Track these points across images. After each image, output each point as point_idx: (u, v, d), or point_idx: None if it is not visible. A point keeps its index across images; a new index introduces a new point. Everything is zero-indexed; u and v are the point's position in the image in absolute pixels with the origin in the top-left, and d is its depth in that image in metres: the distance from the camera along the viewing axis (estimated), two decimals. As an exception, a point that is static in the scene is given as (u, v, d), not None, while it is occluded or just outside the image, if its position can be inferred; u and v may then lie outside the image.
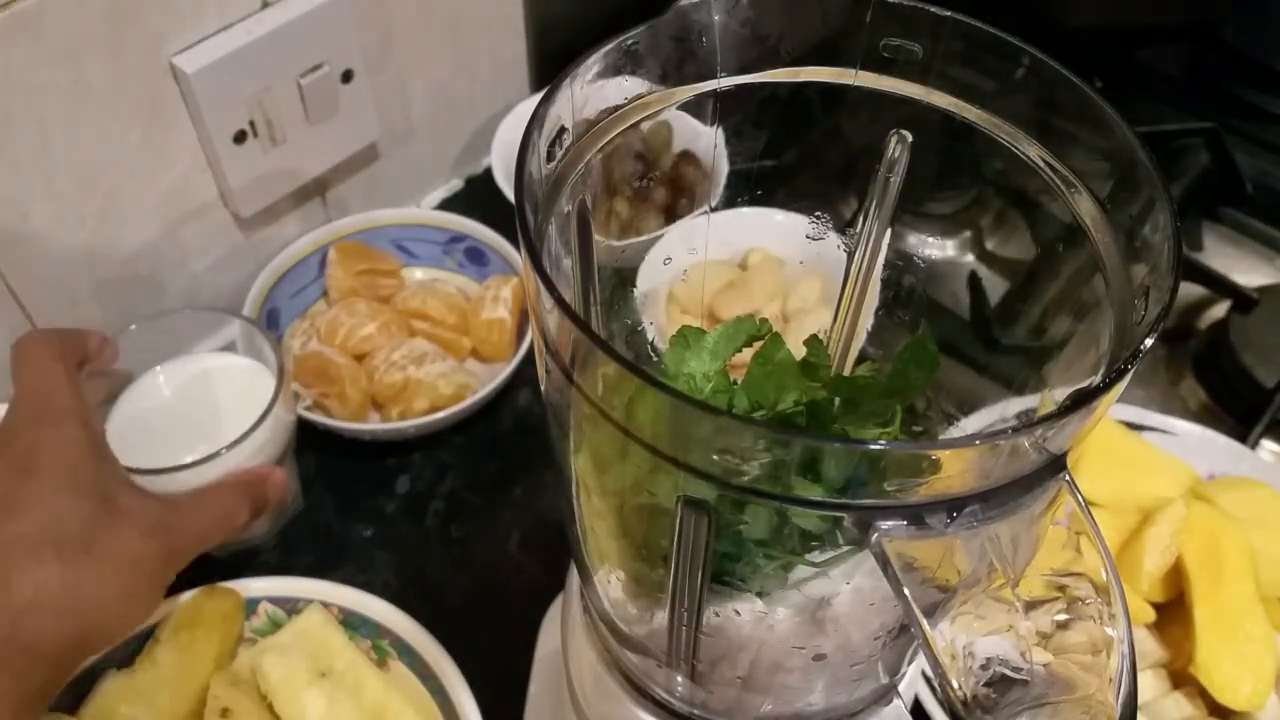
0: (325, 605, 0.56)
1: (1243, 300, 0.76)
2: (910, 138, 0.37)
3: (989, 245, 0.43)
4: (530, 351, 0.69)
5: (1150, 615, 0.57)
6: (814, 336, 0.36)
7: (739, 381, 0.36)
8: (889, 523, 0.25)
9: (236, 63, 0.62)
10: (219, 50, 0.61)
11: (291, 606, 0.56)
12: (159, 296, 0.70)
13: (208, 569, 0.55)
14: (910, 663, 0.39)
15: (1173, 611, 0.57)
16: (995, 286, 0.41)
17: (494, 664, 0.54)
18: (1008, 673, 0.25)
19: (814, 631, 0.35)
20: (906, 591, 0.25)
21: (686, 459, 0.26)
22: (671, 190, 0.66)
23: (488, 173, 0.86)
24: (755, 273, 0.62)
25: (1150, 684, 0.56)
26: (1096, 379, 0.29)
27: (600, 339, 0.26)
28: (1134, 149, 0.30)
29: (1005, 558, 0.25)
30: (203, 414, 0.60)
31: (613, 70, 0.33)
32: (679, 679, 0.39)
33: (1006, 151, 0.34)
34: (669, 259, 0.46)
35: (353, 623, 0.55)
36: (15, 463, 0.45)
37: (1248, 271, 0.81)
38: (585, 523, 0.37)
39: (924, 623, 0.25)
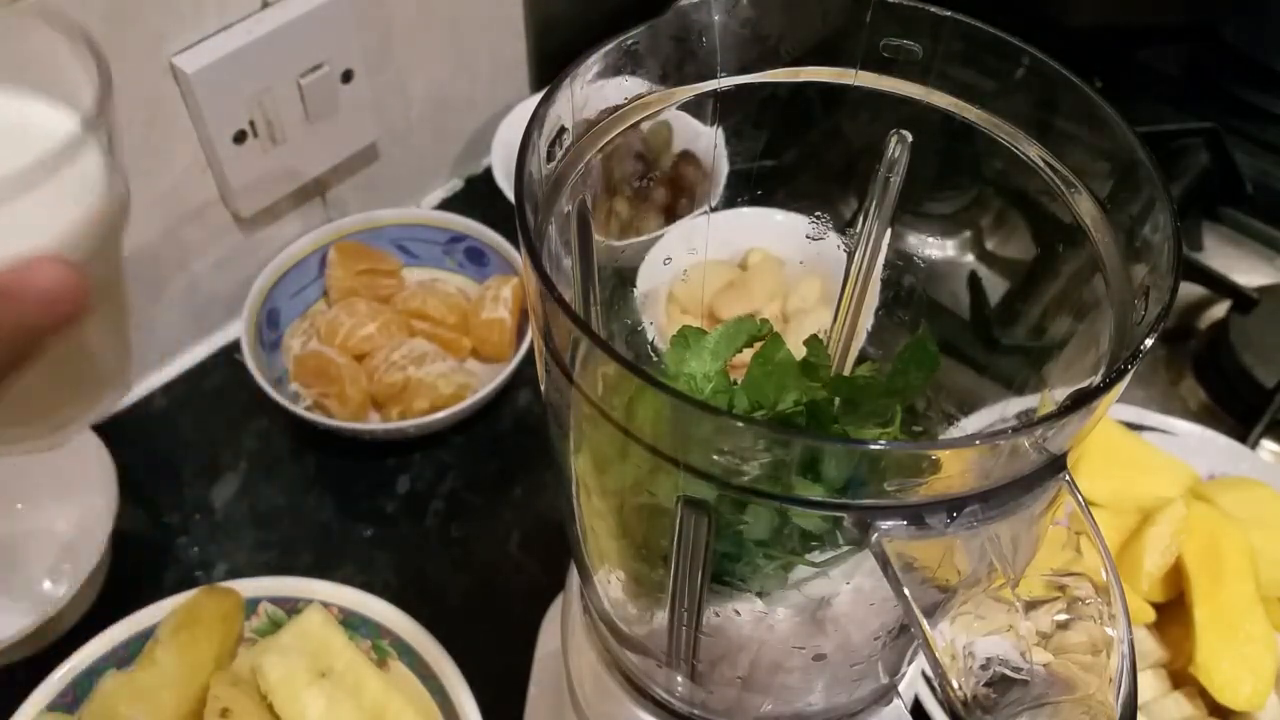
0: (325, 605, 0.56)
1: (1243, 300, 0.76)
2: (910, 138, 0.37)
3: (989, 245, 0.43)
4: (530, 351, 0.69)
5: (1150, 615, 0.57)
6: (814, 336, 0.36)
7: (739, 382, 0.36)
8: (889, 523, 0.25)
9: (236, 63, 0.62)
10: (219, 50, 0.61)
11: (291, 606, 0.56)
12: (159, 296, 0.70)
13: (209, 570, 0.55)
14: (910, 663, 0.39)
15: (1173, 611, 0.57)
16: (995, 286, 0.41)
17: (494, 664, 0.54)
18: (1008, 673, 0.25)
19: (814, 631, 0.35)
20: (906, 591, 0.25)
21: (686, 459, 0.26)
22: (671, 190, 0.66)
23: (488, 173, 0.86)
24: (755, 273, 0.62)
25: (1150, 684, 0.56)
26: (1096, 379, 0.29)
27: (600, 339, 0.26)
28: (1134, 149, 0.30)
29: (1005, 558, 0.25)
30: None
31: (613, 70, 0.33)
32: (679, 679, 0.39)
33: (1006, 151, 0.34)
34: (669, 259, 0.46)
35: (353, 623, 0.55)
36: None
37: (1248, 271, 0.81)
38: (585, 523, 0.37)
39: (924, 623, 0.25)
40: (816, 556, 0.32)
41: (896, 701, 0.41)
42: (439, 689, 0.53)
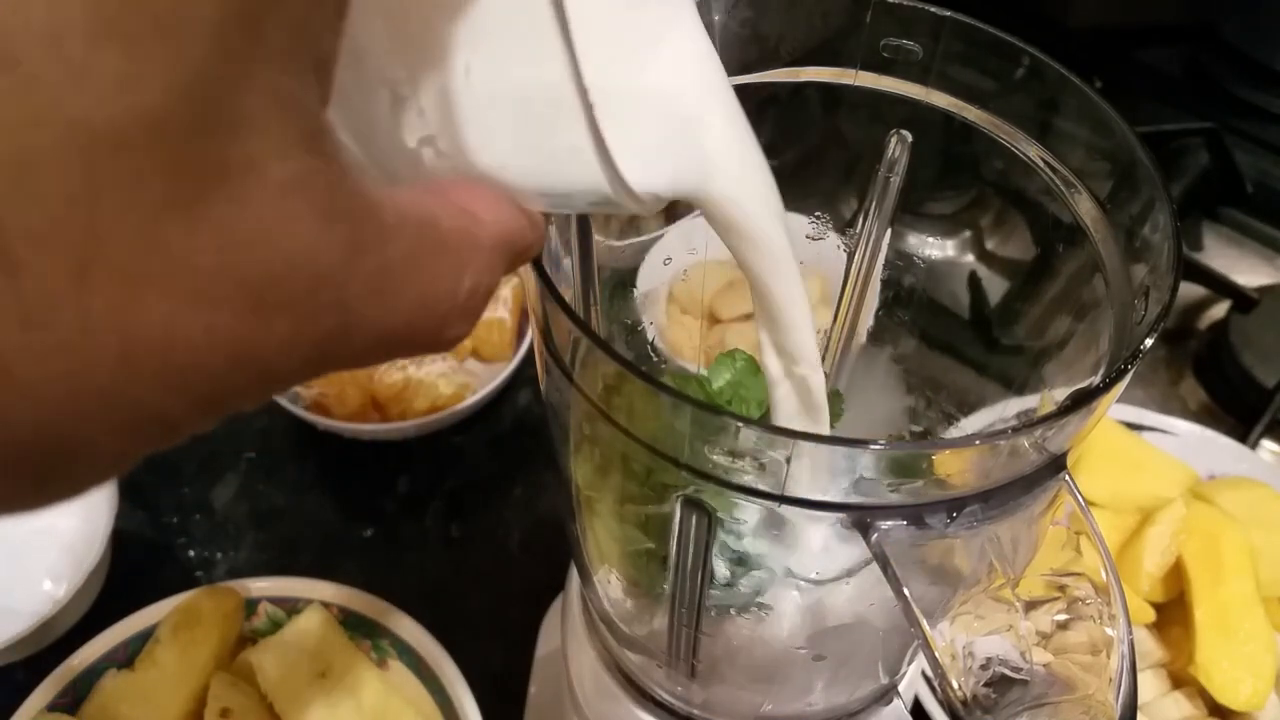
0: (325, 605, 0.56)
1: (1243, 300, 0.76)
2: (910, 138, 0.37)
3: (989, 245, 0.43)
4: (530, 351, 0.69)
5: (1150, 615, 0.57)
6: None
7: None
8: (889, 523, 0.25)
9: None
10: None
11: (291, 606, 0.56)
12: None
13: (209, 570, 0.55)
14: (910, 663, 0.39)
15: (1173, 611, 0.57)
16: (995, 286, 0.41)
17: (494, 664, 0.54)
18: (1008, 673, 0.25)
19: (814, 631, 0.35)
20: (906, 591, 0.25)
21: (686, 459, 0.26)
22: (671, 190, 0.66)
23: (488, 173, 0.86)
24: (755, 273, 0.62)
25: (1150, 684, 0.56)
26: (1096, 379, 0.29)
27: (600, 339, 0.26)
28: (1134, 149, 0.30)
29: (1005, 558, 0.25)
30: None
31: (613, 70, 0.33)
32: (679, 679, 0.39)
33: (1006, 151, 0.34)
34: (669, 259, 0.46)
35: (353, 623, 0.55)
36: None
37: (1248, 271, 0.81)
38: (585, 523, 0.37)
39: (924, 623, 0.25)
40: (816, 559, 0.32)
41: (896, 701, 0.41)
42: (439, 689, 0.53)
